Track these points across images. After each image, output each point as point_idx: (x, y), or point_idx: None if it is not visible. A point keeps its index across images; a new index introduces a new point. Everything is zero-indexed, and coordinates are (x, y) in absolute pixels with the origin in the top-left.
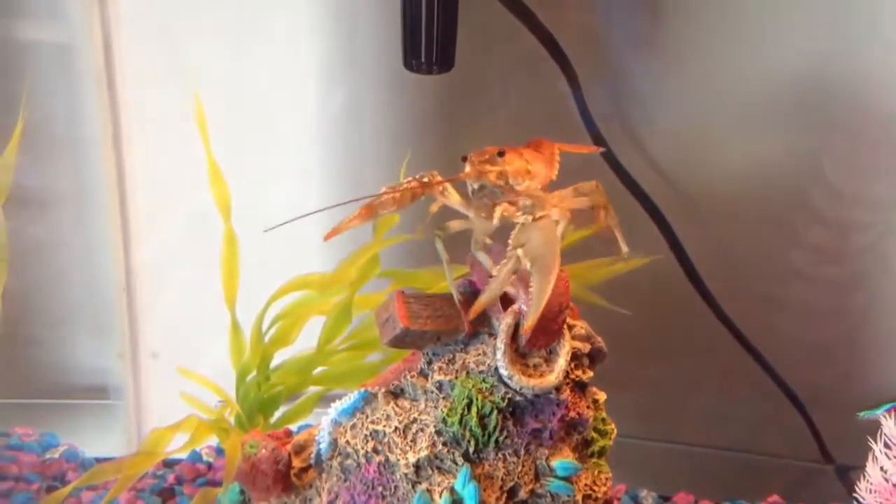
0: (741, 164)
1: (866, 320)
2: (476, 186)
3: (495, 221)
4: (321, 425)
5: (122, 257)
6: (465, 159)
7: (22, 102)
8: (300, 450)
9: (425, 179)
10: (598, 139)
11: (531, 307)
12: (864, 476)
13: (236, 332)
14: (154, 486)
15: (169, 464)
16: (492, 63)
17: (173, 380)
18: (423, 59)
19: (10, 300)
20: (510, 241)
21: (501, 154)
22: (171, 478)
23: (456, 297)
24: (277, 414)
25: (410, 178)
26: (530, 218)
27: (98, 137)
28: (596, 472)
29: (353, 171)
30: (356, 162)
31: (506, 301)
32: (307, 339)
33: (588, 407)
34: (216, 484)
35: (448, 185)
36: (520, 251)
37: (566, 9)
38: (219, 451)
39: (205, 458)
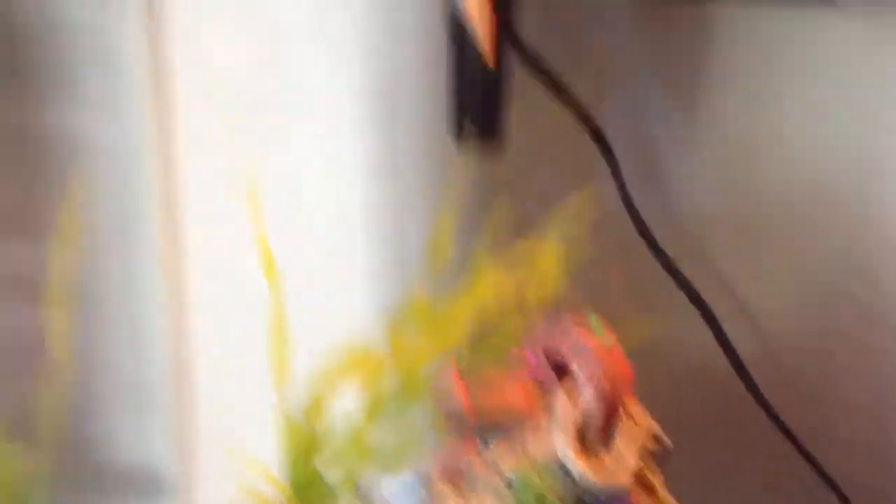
0: (792, 255)
1: None
2: None
3: None
4: None
5: (173, 335)
6: None
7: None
8: None
9: None
10: (640, 226)
11: None
12: None
13: (284, 415)
14: None
15: None
16: (533, 135)
17: (223, 462)
18: (471, 128)
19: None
20: None
21: None
22: None
23: None
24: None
25: None
26: None
27: (152, 217)
28: None
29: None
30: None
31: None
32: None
33: None
34: None
35: None
36: None
37: (601, 85)
38: None
39: None
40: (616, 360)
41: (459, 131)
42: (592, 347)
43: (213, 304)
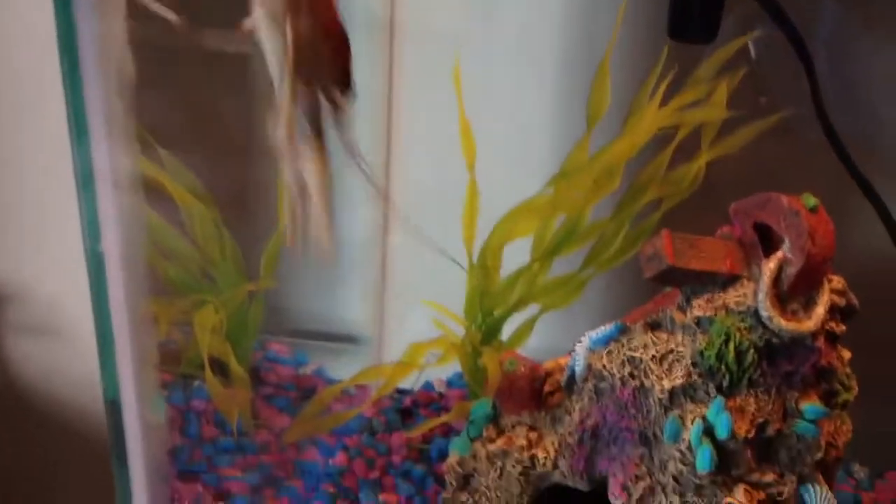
0: None
1: None
2: None
3: None
4: (574, 352)
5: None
6: None
7: None
8: (547, 375)
9: None
10: (829, 132)
11: None
12: None
13: (472, 268)
14: (394, 406)
15: (402, 391)
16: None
17: (411, 315)
18: (691, 29)
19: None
20: None
21: None
22: (407, 401)
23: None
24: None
25: None
26: None
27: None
28: (838, 423)
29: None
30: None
31: (767, 244)
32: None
33: (837, 359)
34: (448, 411)
35: None
36: None
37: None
38: (448, 384)
39: (437, 388)
40: (822, 224)
41: (678, 31)
42: (802, 212)
43: (412, 169)
